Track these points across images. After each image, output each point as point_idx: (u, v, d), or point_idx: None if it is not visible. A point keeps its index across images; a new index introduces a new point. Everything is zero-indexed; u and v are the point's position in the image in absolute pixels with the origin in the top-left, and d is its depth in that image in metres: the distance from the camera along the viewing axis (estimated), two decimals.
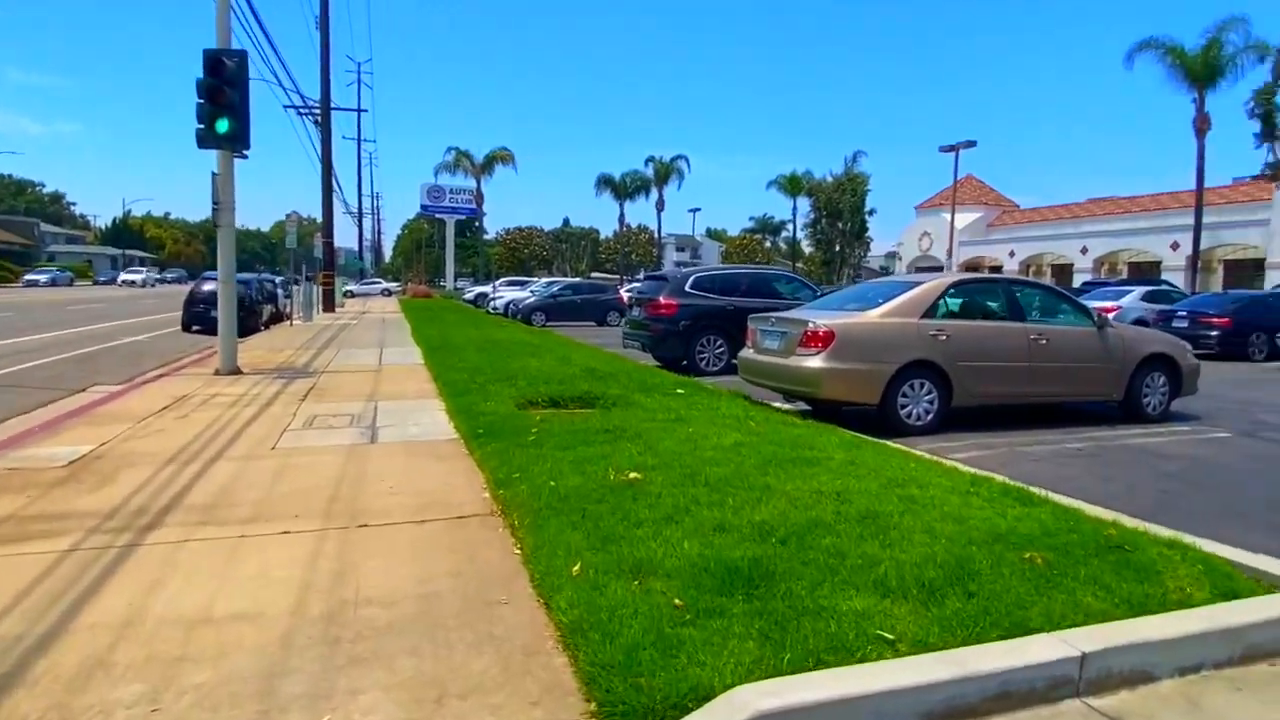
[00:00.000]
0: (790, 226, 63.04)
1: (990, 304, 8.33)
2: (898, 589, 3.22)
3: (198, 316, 18.64)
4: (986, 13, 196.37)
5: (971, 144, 34.84)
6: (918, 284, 8.21)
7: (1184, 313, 17.46)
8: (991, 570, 3.44)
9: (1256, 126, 24.27)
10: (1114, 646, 2.80)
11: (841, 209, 48.46)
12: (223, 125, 10.02)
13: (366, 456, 5.98)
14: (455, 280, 64.33)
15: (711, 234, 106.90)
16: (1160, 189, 43.02)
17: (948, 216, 42.24)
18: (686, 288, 12.53)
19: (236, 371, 10.62)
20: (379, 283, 69.38)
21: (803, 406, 8.55)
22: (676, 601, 3.06)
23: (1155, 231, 39.90)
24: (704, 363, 12.29)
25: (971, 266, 49.32)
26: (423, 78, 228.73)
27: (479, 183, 58.11)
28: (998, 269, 47.54)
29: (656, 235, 67.59)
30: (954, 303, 8.19)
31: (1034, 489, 4.89)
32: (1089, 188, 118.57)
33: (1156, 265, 39.34)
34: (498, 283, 40.35)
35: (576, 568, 3.41)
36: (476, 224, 66.89)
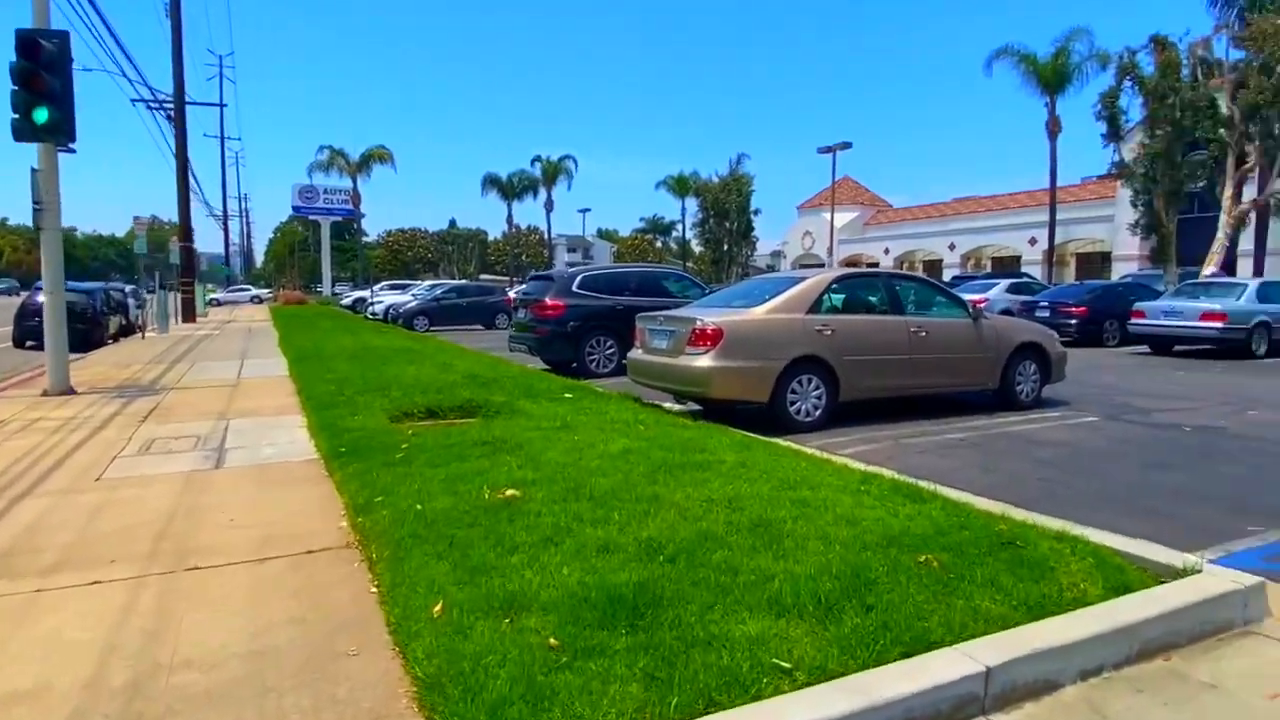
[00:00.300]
0: (680, 226, 63.70)
1: (872, 298, 8.40)
2: (793, 607, 2.97)
3: (31, 331, 16.70)
4: (861, 22, 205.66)
5: (847, 145, 36.06)
6: (802, 279, 8.17)
7: (1045, 303, 18.54)
8: (888, 578, 3.26)
9: (1103, 128, 26.11)
10: (1018, 658, 2.64)
11: (728, 209, 49.25)
12: (41, 115, 8.86)
13: (208, 485, 5.29)
14: (333, 285, 61.36)
15: (603, 234, 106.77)
16: (1019, 188, 46.08)
17: (828, 216, 43.74)
18: (574, 288, 12.15)
19: (68, 391, 9.45)
20: (248, 289, 65.44)
21: (694, 407, 8.35)
22: (552, 641, 2.70)
23: (1015, 228, 42.68)
24: (594, 364, 11.96)
25: (851, 263, 51.24)
26: (294, 74, 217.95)
27: (355, 182, 55.57)
28: (875, 265, 49.59)
29: (546, 236, 66.67)
30: (838, 298, 8.20)
31: (922, 484, 4.81)
32: (955, 187, 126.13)
33: (1017, 259, 42.05)
34: (378, 286, 38.64)
35: (439, 607, 2.99)
36: (355, 226, 64.02)
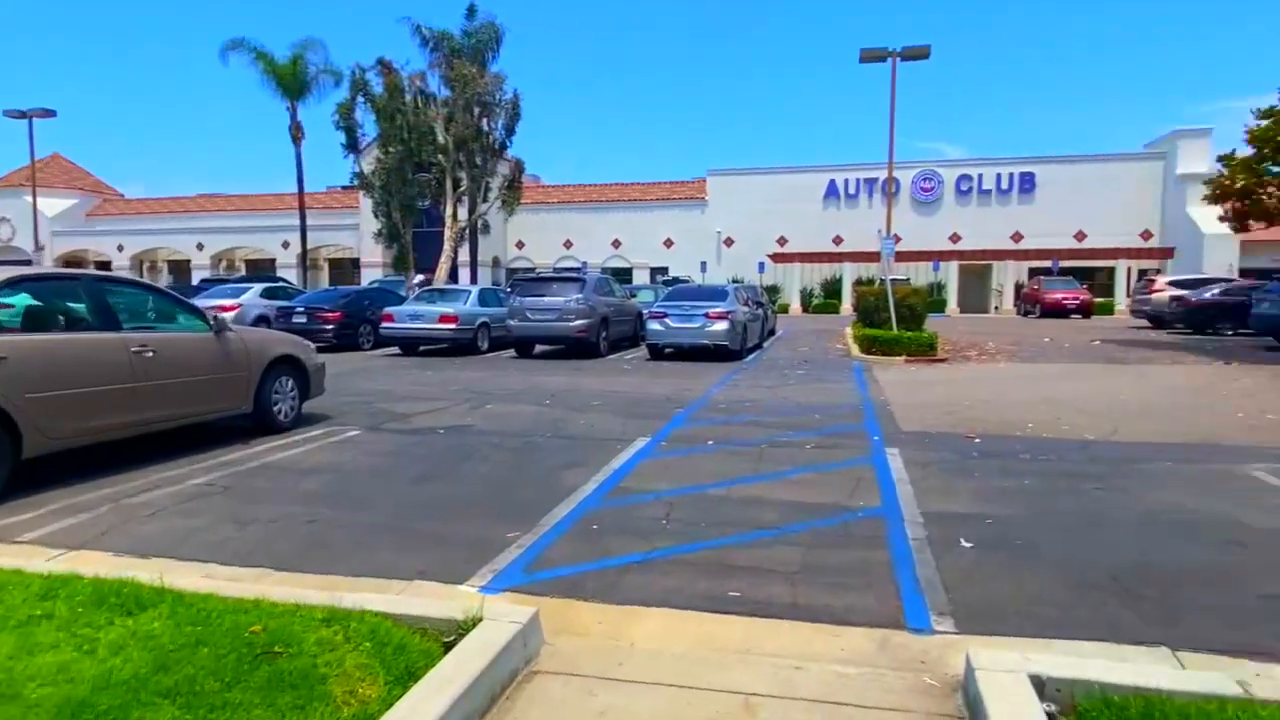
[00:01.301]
0: None
1: (71, 309, 6.22)
2: None
3: None
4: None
5: (50, 113, 29.15)
6: None
7: (302, 309, 18.08)
8: None
9: (343, 139, 27.24)
10: None
11: None
12: None
13: None
14: None
15: None
16: (274, 189, 45.40)
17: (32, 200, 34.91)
18: None
19: None
20: None
21: None
22: None
23: (269, 230, 41.87)
24: None
25: (73, 261, 42.50)
26: None
27: None
28: (106, 265, 42.20)
29: None
30: (14, 309, 5.80)
31: (145, 574, 3.42)
32: (205, 182, 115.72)
33: (272, 262, 41.38)
34: None
35: None
36: None
